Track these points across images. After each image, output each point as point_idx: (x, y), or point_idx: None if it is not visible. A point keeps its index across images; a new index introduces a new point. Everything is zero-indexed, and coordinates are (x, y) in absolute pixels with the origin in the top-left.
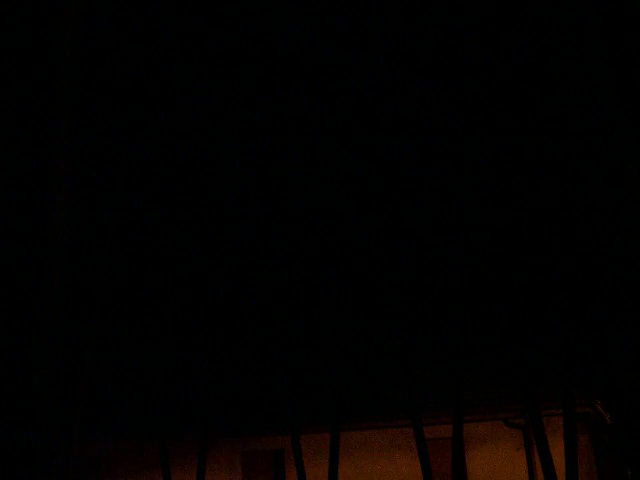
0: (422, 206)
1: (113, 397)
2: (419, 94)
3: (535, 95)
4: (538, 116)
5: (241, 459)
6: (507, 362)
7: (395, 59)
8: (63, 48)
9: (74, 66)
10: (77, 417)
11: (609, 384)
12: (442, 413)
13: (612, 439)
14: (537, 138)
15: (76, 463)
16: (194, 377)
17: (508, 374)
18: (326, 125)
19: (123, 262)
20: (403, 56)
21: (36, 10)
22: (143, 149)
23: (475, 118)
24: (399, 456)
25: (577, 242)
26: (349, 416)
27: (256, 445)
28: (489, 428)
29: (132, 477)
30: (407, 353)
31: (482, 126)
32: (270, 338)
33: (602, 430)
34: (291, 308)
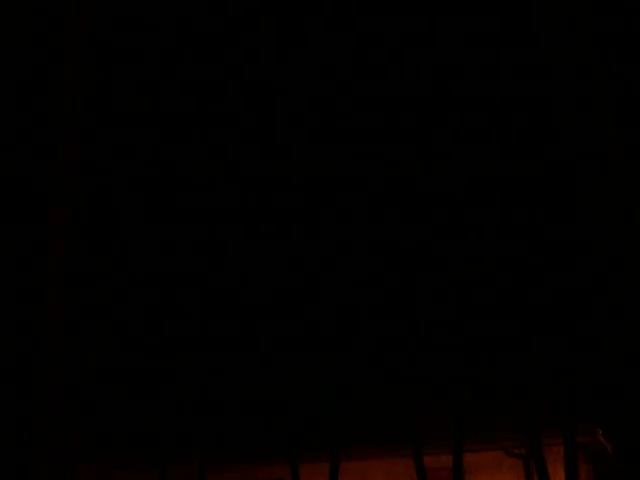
0: (422, 238)
1: (109, 421)
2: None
3: (536, 124)
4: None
5: None
6: (507, 391)
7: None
8: (70, 39)
9: (81, 59)
10: (74, 438)
11: (611, 413)
12: (442, 442)
13: (614, 469)
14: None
15: None
16: (192, 404)
17: (508, 403)
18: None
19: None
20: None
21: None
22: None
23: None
24: None
25: (581, 272)
26: (348, 445)
27: (253, 474)
28: (489, 457)
29: None
30: (408, 383)
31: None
32: (269, 364)
33: (604, 460)
34: (290, 336)
